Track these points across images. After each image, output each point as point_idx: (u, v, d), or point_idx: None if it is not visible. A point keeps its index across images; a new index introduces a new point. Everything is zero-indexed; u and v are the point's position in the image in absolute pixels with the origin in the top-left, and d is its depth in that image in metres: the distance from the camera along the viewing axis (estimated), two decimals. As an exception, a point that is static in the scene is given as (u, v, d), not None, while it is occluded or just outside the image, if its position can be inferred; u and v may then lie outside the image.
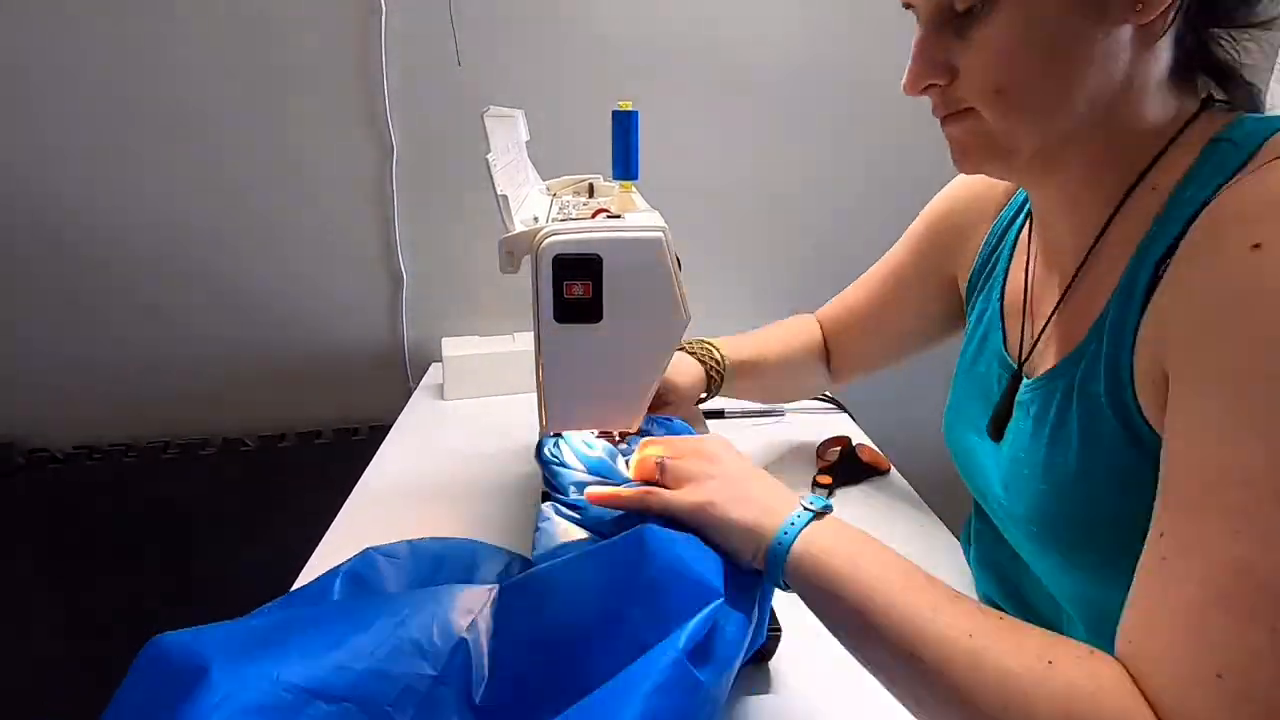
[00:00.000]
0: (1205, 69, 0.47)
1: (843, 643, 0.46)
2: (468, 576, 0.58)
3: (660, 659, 0.41)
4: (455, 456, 0.91)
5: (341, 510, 0.79)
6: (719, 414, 1.03)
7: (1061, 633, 0.51)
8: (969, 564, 0.73)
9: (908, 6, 0.50)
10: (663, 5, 1.13)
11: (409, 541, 0.61)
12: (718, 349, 0.80)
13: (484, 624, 0.49)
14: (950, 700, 0.39)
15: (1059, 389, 0.50)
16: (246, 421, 1.25)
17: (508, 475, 0.86)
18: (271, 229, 1.17)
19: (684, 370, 0.76)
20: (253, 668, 0.42)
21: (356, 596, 0.55)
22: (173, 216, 1.15)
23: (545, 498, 0.60)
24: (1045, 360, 0.54)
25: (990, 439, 0.59)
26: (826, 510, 0.50)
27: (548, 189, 0.75)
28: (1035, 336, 0.56)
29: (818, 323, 0.88)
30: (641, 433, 0.66)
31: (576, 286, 0.52)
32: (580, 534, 0.56)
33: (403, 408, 1.08)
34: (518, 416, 0.99)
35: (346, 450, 1.22)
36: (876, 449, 0.92)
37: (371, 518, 0.78)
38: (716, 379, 0.79)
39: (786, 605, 0.54)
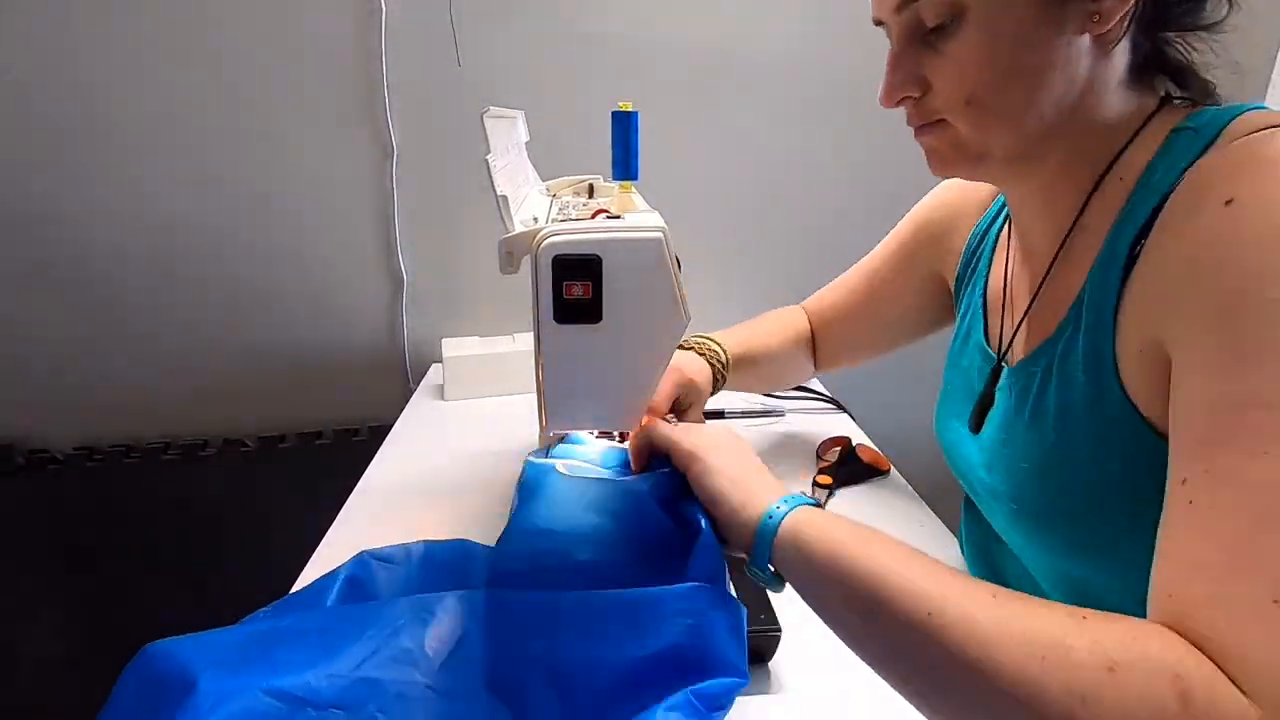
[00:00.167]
0: (1160, 69, 0.50)
1: (844, 626, 0.42)
2: (462, 579, 0.58)
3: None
4: (455, 457, 0.91)
5: (342, 511, 0.79)
6: (719, 414, 1.03)
7: None
8: (963, 556, 0.74)
9: (879, 23, 0.52)
10: (663, 5, 1.13)
11: (404, 545, 0.61)
12: (721, 346, 0.81)
13: (475, 627, 0.49)
14: (978, 663, 0.34)
15: (1038, 371, 0.53)
16: (246, 422, 1.25)
17: (508, 475, 0.86)
18: (271, 229, 1.17)
19: (697, 369, 0.76)
20: (242, 677, 0.42)
21: (350, 602, 0.55)
22: (173, 217, 1.15)
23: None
24: (1023, 347, 0.56)
25: (970, 430, 0.61)
26: (815, 504, 0.49)
27: (547, 189, 0.75)
28: (1014, 330, 0.58)
29: (805, 314, 0.90)
30: None
31: (576, 287, 0.52)
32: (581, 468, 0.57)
33: (403, 408, 1.08)
34: (518, 417, 0.99)
35: (347, 451, 1.22)
36: (876, 449, 0.92)
37: (372, 518, 0.78)
38: (721, 378, 0.80)
39: (787, 605, 0.54)
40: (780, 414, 1.04)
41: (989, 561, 0.67)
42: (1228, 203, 0.38)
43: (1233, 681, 0.31)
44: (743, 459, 0.53)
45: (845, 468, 0.87)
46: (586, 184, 0.77)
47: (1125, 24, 0.45)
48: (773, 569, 0.47)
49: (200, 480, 1.21)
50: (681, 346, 0.80)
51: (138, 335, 1.19)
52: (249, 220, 1.16)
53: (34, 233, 1.13)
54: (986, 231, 0.68)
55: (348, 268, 1.21)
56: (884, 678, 0.40)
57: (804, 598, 0.45)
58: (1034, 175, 0.53)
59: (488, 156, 0.54)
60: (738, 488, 0.50)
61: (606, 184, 0.76)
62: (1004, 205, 0.66)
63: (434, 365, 1.24)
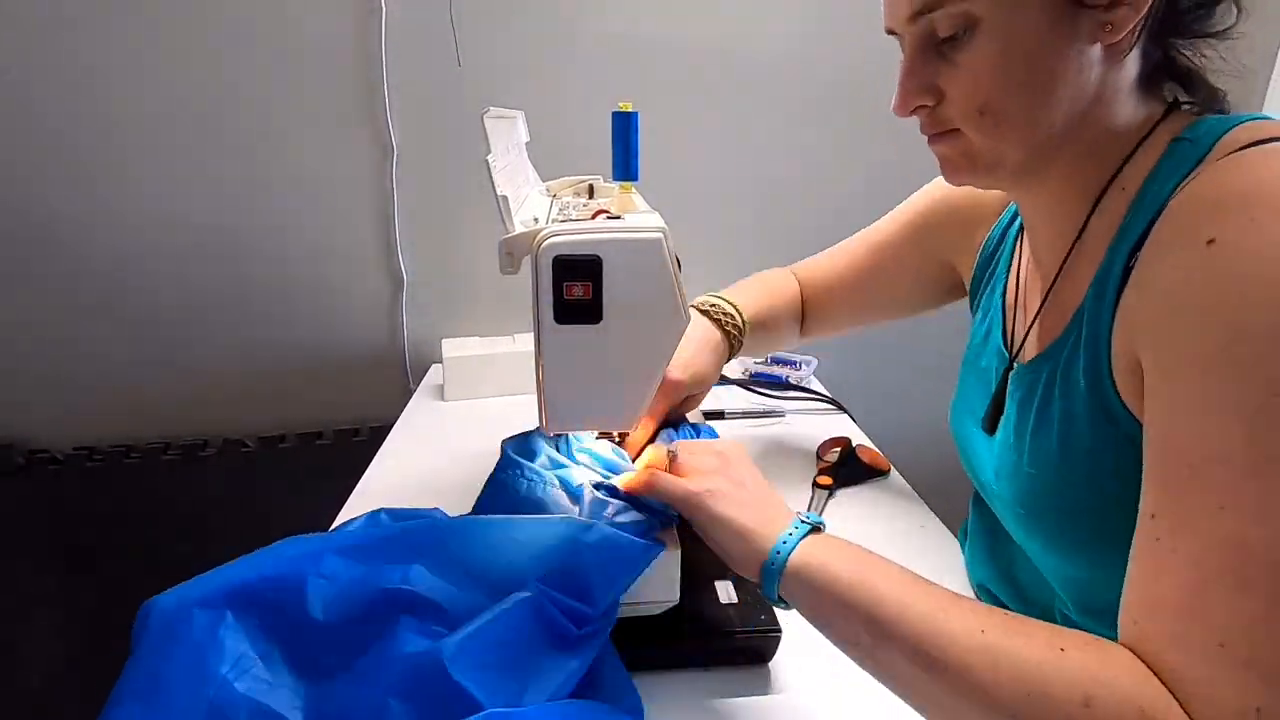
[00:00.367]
0: (1170, 75, 0.50)
1: (850, 653, 0.46)
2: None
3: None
4: (456, 457, 0.91)
5: (342, 511, 0.79)
6: (719, 415, 1.03)
7: (1053, 611, 0.53)
8: (964, 556, 0.74)
9: (891, 33, 0.52)
10: (663, 5, 1.13)
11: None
12: (738, 310, 0.81)
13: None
14: (972, 699, 0.39)
15: (1043, 375, 0.53)
16: (246, 422, 1.25)
17: (508, 476, 0.86)
18: (271, 229, 1.17)
19: (695, 358, 0.75)
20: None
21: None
22: (173, 217, 1.15)
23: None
24: (1032, 350, 0.57)
25: (985, 431, 0.62)
26: (820, 526, 0.51)
27: (548, 190, 0.75)
28: (1025, 333, 0.59)
29: (795, 280, 0.90)
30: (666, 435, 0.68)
31: (576, 287, 0.52)
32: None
33: (403, 408, 1.08)
34: (518, 417, 0.99)
35: (347, 451, 1.22)
36: (877, 450, 0.92)
37: (371, 518, 0.78)
38: (736, 346, 0.80)
39: (787, 606, 0.54)
40: (780, 415, 1.04)
41: (997, 559, 0.67)
42: (1209, 242, 0.39)
43: (1185, 712, 0.35)
44: (741, 497, 0.53)
45: (845, 468, 0.87)
46: (587, 184, 0.77)
47: (1137, 33, 0.46)
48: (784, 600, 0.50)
49: (200, 480, 1.21)
50: (698, 309, 0.80)
51: (138, 335, 1.19)
52: (249, 220, 1.16)
53: (34, 233, 1.13)
54: (1005, 234, 0.68)
55: (348, 268, 1.21)
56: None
57: (814, 626, 0.48)
58: (1043, 184, 0.54)
59: (488, 157, 0.54)
60: (741, 536, 0.51)
61: (607, 184, 0.76)
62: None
63: (434, 365, 1.24)
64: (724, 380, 0.91)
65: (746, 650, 0.59)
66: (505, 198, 0.53)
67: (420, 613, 0.49)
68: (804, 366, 1.17)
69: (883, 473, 0.89)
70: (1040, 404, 0.53)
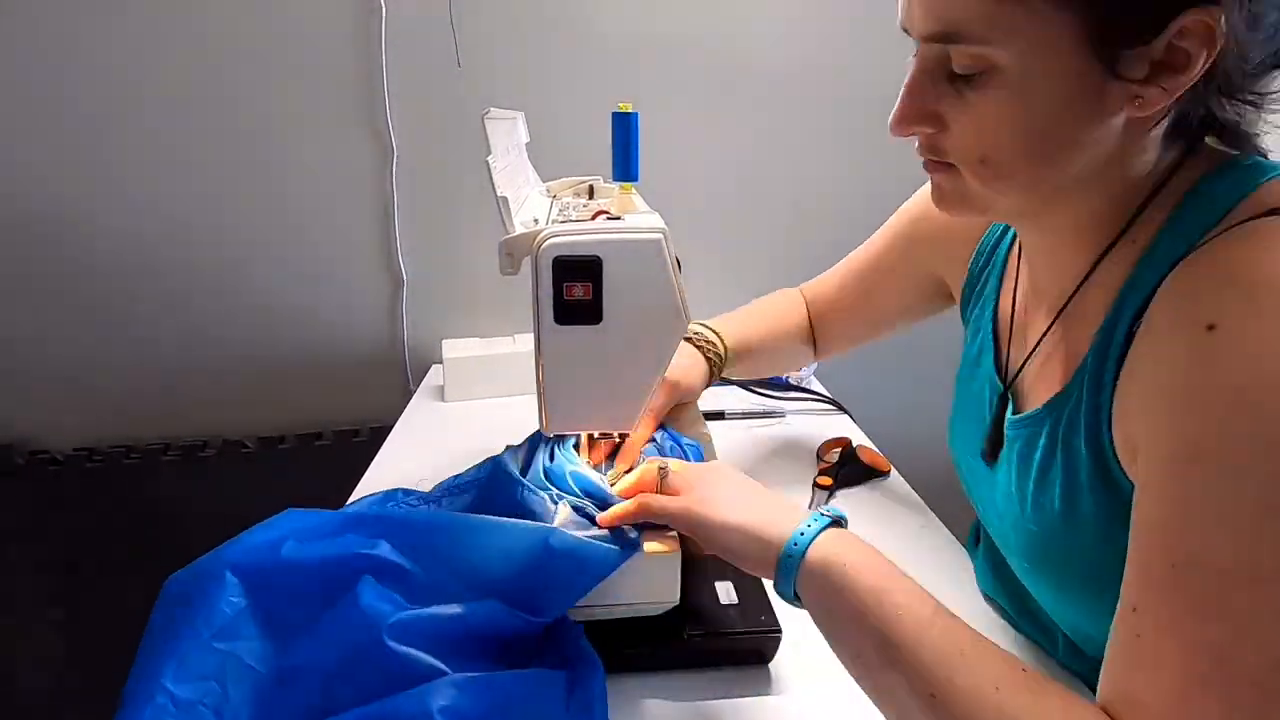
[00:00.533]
0: (1206, 126, 0.45)
1: (850, 667, 0.45)
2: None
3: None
4: (456, 458, 0.91)
5: (342, 511, 0.79)
6: (719, 415, 1.03)
7: (1056, 631, 0.51)
8: (973, 562, 0.73)
9: (906, 31, 0.47)
10: (663, 6, 1.13)
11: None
12: (719, 338, 0.81)
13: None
14: None
15: (1044, 432, 0.51)
16: (246, 423, 1.25)
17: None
18: (271, 230, 1.17)
19: (690, 368, 0.76)
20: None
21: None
22: (173, 217, 1.15)
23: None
24: (1032, 396, 0.55)
25: (985, 462, 0.60)
26: (842, 521, 0.49)
27: (548, 191, 0.75)
28: (1020, 366, 0.56)
29: (803, 301, 0.90)
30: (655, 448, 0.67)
31: (576, 288, 0.52)
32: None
33: (403, 409, 1.08)
34: (518, 418, 0.99)
35: (347, 452, 1.22)
36: (877, 450, 0.92)
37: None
38: (717, 371, 0.80)
39: (787, 606, 0.54)
40: (780, 415, 1.05)
41: (1002, 573, 0.65)
42: (1209, 328, 0.36)
43: None
44: (740, 499, 0.52)
45: (845, 469, 0.87)
46: (587, 185, 0.77)
47: (1168, 110, 0.42)
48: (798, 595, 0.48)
49: (200, 480, 1.21)
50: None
51: (138, 336, 1.19)
52: (249, 220, 1.16)
53: (34, 234, 1.13)
54: (996, 246, 0.65)
55: (348, 268, 1.21)
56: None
57: (820, 629, 0.47)
58: (1045, 225, 0.51)
59: (488, 158, 0.54)
60: (750, 535, 0.49)
61: (607, 185, 0.76)
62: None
63: (434, 366, 1.24)
64: (725, 381, 0.91)
65: (746, 650, 0.59)
66: (505, 198, 0.53)
67: (382, 577, 0.50)
68: (804, 367, 1.17)
69: (883, 473, 0.89)
70: (1041, 461, 0.51)
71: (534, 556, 0.52)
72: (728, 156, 1.22)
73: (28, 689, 1.21)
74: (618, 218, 0.57)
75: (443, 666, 0.46)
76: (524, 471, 0.62)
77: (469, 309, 1.25)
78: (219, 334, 1.21)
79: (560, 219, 0.59)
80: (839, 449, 0.90)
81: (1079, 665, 0.57)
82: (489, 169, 0.53)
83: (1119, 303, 0.45)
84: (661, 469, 0.56)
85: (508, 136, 0.66)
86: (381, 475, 0.88)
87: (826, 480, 0.85)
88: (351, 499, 0.81)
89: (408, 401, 1.11)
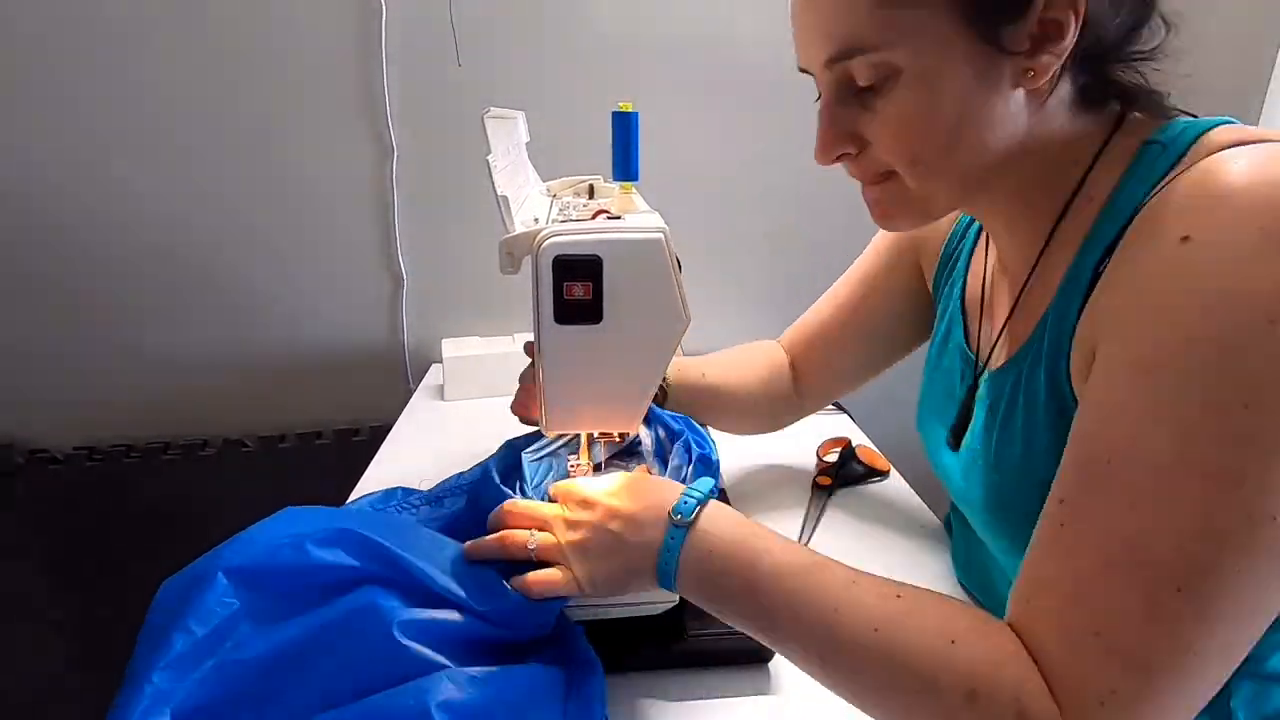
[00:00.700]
0: (1106, 94, 0.48)
1: (750, 633, 0.47)
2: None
3: None
4: (456, 457, 0.91)
5: (341, 511, 0.79)
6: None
7: None
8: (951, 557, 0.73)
9: (804, 71, 0.51)
10: (663, 5, 1.13)
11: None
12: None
13: None
14: (866, 698, 0.42)
15: (1008, 383, 0.53)
16: (246, 422, 1.25)
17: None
18: (271, 229, 1.17)
19: None
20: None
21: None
22: (173, 217, 1.15)
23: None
24: (1001, 357, 0.56)
25: (954, 434, 0.61)
26: (711, 495, 0.50)
27: (548, 190, 0.75)
28: (994, 337, 0.57)
29: (779, 346, 0.86)
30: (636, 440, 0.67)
31: (576, 287, 0.52)
32: None
33: (403, 408, 1.08)
34: (518, 418, 0.99)
35: (347, 451, 1.22)
36: (876, 450, 0.92)
37: (371, 518, 0.78)
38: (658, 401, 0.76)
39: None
40: (780, 414, 1.04)
41: (973, 559, 0.67)
42: (1183, 239, 0.38)
43: (1052, 695, 0.37)
44: (606, 546, 0.50)
45: (845, 468, 0.87)
46: (587, 184, 0.77)
47: (1058, 76, 0.45)
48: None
49: (200, 480, 1.21)
50: None
51: (138, 336, 1.19)
52: (249, 220, 1.16)
53: (34, 234, 1.13)
54: (965, 231, 0.67)
55: (348, 268, 1.21)
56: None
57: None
58: (995, 204, 0.53)
59: (488, 157, 0.54)
60: (630, 580, 0.50)
61: (607, 184, 0.76)
62: None
63: (434, 365, 1.24)
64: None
65: (746, 650, 0.59)
66: (505, 198, 0.53)
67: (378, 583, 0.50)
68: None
69: (882, 473, 0.89)
70: (1005, 410, 0.53)
71: (495, 596, 0.51)
72: (728, 156, 1.22)
73: (28, 689, 1.21)
74: (618, 217, 0.57)
75: (448, 663, 0.46)
76: (509, 478, 0.62)
77: (469, 309, 1.25)
78: (219, 334, 1.21)
79: (560, 218, 0.58)
80: (838, 449, 0.90)
81: None
82: (489, 168, 0.53)
83: (1082, 249, 0.47)
84: (527, 546, 0.53)
85: (508, 136, 0.66)
86: (381, 475, 0.88)
87: (826, 480, 0.85)
88: (351, 498, 0.81)
89: (408, 401, 1.11)
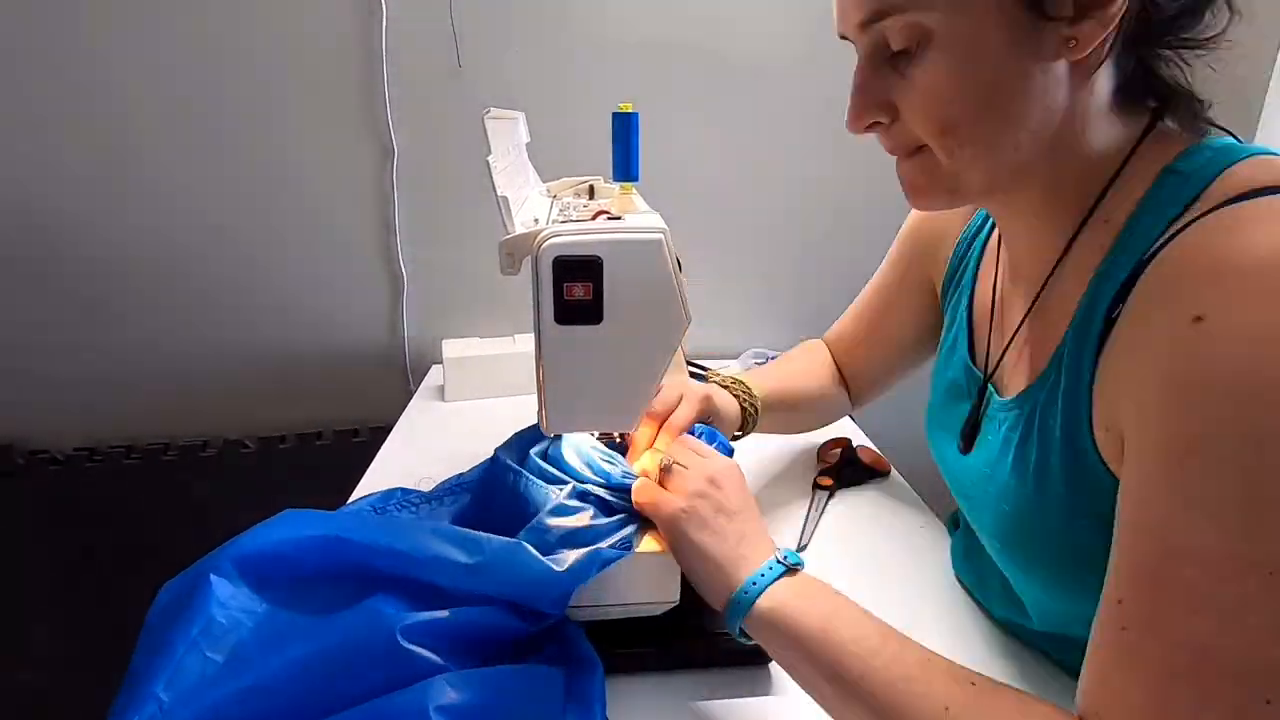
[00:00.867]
0: (1148, 90, 0.46)
1: (815, 699, 0.47)
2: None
3: None
4: (456, 458, 0.91)
5: (342, 511, 0.79)
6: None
7: (1018, 623, 0.51)
8: (949, 545, 0.73)
9: (844, 38, 0.49)
10: (663, 6, 1.13)
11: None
12: (749, 387, 0.78)
13: None
14: None
15: (1023, 415, 0.51)
16: (246, 423, 1.25)
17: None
18: (272, 230, 1.17)
19: (726, 401, 0.74)
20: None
21: None
22: (173, 218, 1.15)
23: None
24: (1014, 381, 0.55)
25: (960, 448, 0.61)
26: (798, 566, 0.51)
27: (548, 191, 0.75)
28: (1001, 351, 0.57)
29: (826, 347, 0.88)
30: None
31: (577, 288, 0.52)
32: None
33: (403, 409, 1.08)
34: (518, 418, 0.99)
35: (347, 452, 1.22)
36: (877, 450, 0.92)
37: (372, 519, 0.78)
38: (751, 419, 0.77)
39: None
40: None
41: (970, 563, 0.67)
42: (1196, 319, 0.36)
43: None
44: (720, 524, 0.53)
45: (846, 469, 0.87)
46: (587, 185, 0.77)
47: (1106, 49, 0.42)
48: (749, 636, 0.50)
49: (200, 480, 1.21)
50: (713, 382, 0.77)
51: (138, 336, 1.19)
52: (249, 220, 1.16)
53: (34, 234, 1.13)
54: (974, 239, 0.66)
55: (348, 268, 1.21)
56: None
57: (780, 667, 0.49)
58: (1016, 206, 0.51)
59: (488, 158, 0.54)
60: (713, 566, 0.51)
61: (607, 185, 0.76)
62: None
63: (434, 366, 1.24)
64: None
65: (746, 650, 0.58)
66: (505, 198, 0.53)
67: (379, 584, 0.50)
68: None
69: (883, 473, 0.89)
70: (1018, 445, 0.51)
71: (514, 566, 0.52)
72: (728, 156, 1.22)
73: (28, 689, 1.21)
74: (618, 218, 0.57)
75: (449, 666, 0.46)
76: (520, 464, 0.63)
77: (469, 309, 1.25)
78: (219, 334, 1.21)
79: (561, 219, 0.59)
80: (839, 449, 0.90)
81: (1048, 644, 0.59)
82: (489, 169, 0.53)
83: (1095, 284, 0.45)
84: (663, 464, 0.57)
85: (508, 136, 0.66)
86: (381, 475, 0.88)
87: (827, 480, 0.85)
88: (351, 499, 0.81)
89: (408, 401, 1.11)
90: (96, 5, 1.05)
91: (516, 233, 0.53)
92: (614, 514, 0.57)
